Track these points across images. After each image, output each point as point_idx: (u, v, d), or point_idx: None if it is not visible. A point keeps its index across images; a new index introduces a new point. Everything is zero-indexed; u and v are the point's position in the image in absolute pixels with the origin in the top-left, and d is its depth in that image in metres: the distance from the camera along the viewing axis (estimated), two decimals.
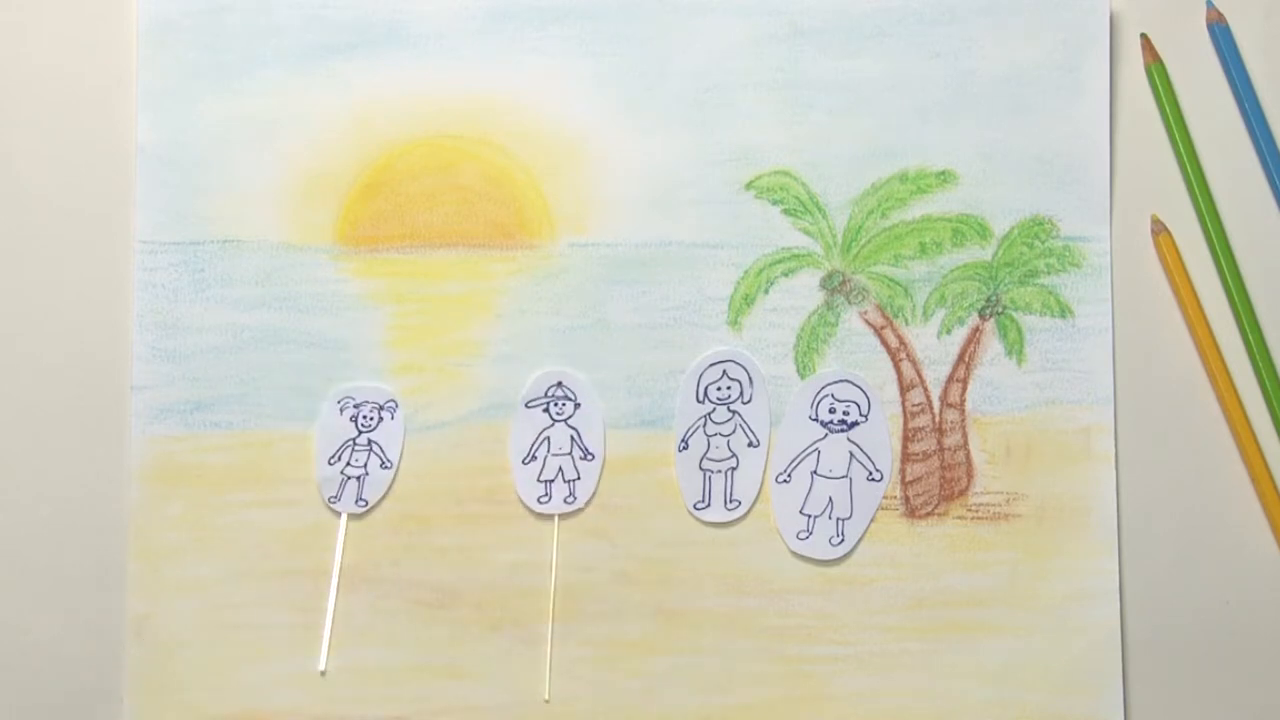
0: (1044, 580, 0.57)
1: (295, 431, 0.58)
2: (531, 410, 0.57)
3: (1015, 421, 0.57)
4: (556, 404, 0.57)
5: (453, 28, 0.59)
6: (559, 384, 0.57)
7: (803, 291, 0.58)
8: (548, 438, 0.57)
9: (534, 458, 0.57)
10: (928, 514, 0.57)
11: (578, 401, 0.57)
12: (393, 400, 0.58)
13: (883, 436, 0.58)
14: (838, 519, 0.57)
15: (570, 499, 0.57)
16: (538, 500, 0.57)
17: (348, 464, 0.57)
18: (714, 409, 0.57)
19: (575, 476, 0.57)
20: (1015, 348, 0.58)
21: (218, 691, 0.56)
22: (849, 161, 0.58)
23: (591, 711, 0.56)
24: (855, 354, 0.58)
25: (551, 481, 0.57)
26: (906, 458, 0.57)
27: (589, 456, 0.57)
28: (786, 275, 0.58)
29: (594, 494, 0.57)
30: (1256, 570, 0.57)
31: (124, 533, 0.57)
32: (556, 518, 0.57)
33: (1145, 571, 0.57)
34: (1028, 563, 0.57)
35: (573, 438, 0.57)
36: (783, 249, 0.58)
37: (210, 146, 0.58)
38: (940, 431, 0.57)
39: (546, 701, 0.56)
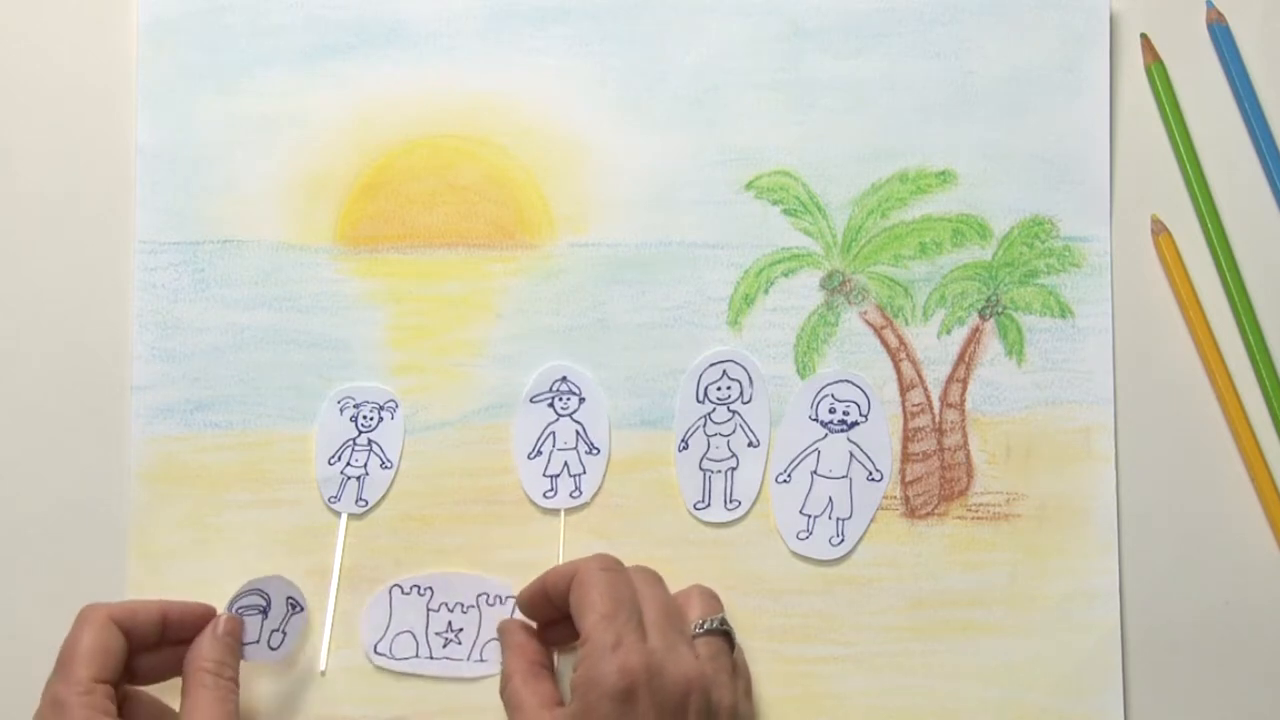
0: (1044, 580, 0.57)
1: (295, 431, 0.58)
2: (536, 405, 0.57)
3: (1015, 421, 0.57)
4: (561, 399, 0.57)
5: (453, 28, 0.59)
6: (563, 379, 0.57)
7: (803, 291, 0.58)
8: (553, 432, 0.57)
9: (539, 453, 0.57)
10: (928, 514, 0.57)
11: (582, 396, 0.57)
12: (393, 400, 0.58)
13: (883, 436, 0.58)
14: (838, 519, 0.57)
15: (576, 494, 0.57)
16: (543, 495, 0.57)
17: (348, 464, 0.57)
18: (714, 409, 0.57)
19: (581, 471, 0.57)
20: (1015, 348, 0.58)
21: None
22: (849, 161, 0.58)
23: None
24: (855, 354, 0.58)
25: (557, 476, 0.57)
26: (906, 458, 0.57)
27: (594, 451, 0.57)
28: (786, 275, 0.58)
29: (599, 489, 0.57)
30: (1256, 570, 0.57)
31: (124, 533, 0.57)
32: (562, 512, 0.57)
33: (1145, 571, 0.57)
34: (1028, 563, 0.57)
35: (578, 432, 0.57)
36: (783, 249, 0.58)
37: (210, 146, 0.58)
38: (940, 431, 0.57)
39: None
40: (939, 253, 0.58)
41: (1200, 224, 0.58)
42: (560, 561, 0.56)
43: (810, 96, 0.58)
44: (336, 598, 0.57)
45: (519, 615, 0.54)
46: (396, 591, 0.56)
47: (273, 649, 0.55)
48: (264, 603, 0.55)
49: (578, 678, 0.48)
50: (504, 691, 0.51)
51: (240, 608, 0.55)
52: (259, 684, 0.56)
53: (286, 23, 0.59)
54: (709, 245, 0.58)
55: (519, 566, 0.57)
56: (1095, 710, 0.56)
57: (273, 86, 0.59)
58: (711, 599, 0.53)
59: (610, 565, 0.50)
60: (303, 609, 0.55)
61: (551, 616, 0.53)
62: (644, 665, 0.47)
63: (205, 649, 0.52)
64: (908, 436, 0.58)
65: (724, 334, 0.58)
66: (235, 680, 0.52)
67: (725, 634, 0.51)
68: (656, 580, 0.52)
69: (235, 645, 0.53)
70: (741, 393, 0.58)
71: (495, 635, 0.56)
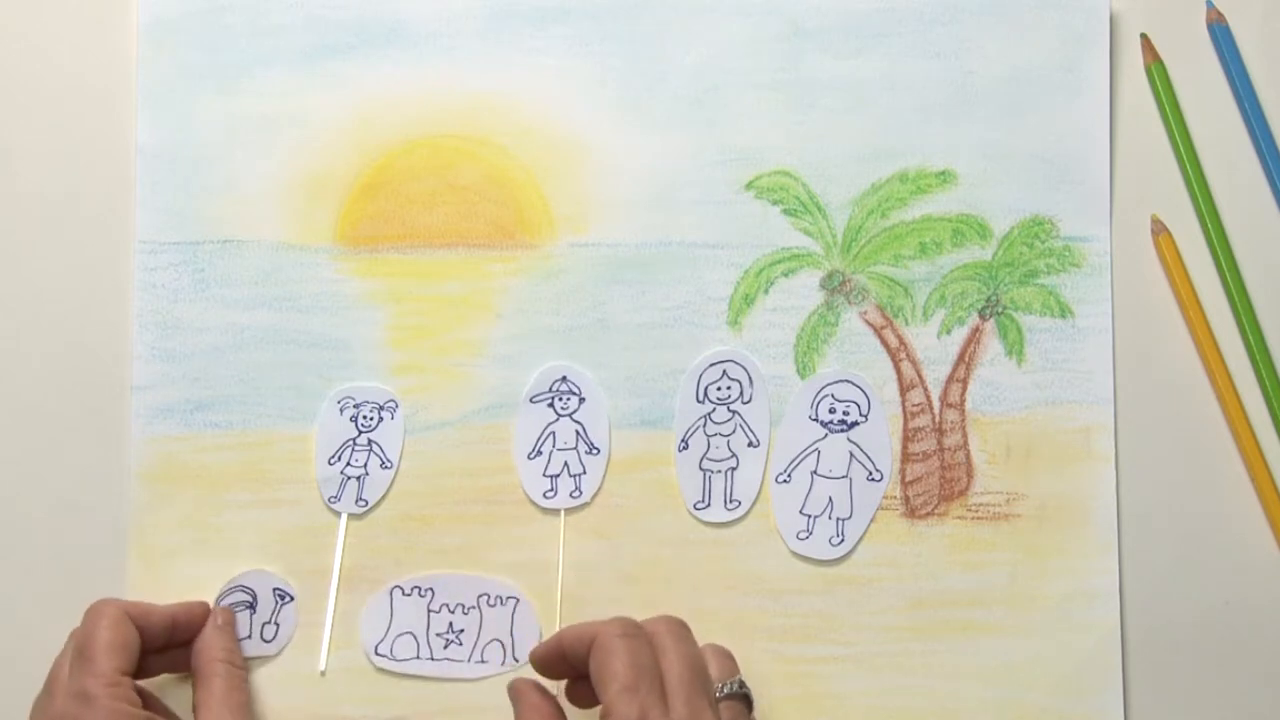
0: (1044, 580, 0.57)
1: (295, 431, 0.58)
2: (536, 405, 0.57)
3: (1015, 421, 0.57)
4: (561, 399, 0.57)
5: (453, 28, 0.59)
6: (563, 379, 0.57)
7: (803, 291, 0.58)
8: (553, 432, 0.57)
9: (539, 453, 0.57)
10: (928, 514, 0.57)
11: (582, 396, 0.57)
12: (393, 400, 0.58)
13: (883, 436, 0.58)
14: (838, 519, 0.57)
15: (576, 494, 0.57)
16: (543, 495, 0.57)
17: (348, 464, 0.57)
18: (714, 409, 0.57)
19: (581, 471, 0.57)
20: (1015, 348, 0.58)
21: None
22: (849, 161, 0.58)
23: (593, 711, 0.56)
24: (855, 354, 0.58)
25: (557, 476, 0.57)
26: (906, 458, 0.57)
27: (594, 451, 0.57)
28: (786, 275, 0.58)
29: (599, 489, 0.57)
30: (1256, 570, 0.57)
31: (124, 533, 0.57)
32: (563, 512, 0.57)
33: (1145, 571, 0.57)
34: (1028, 563, 0.57)
35: (578, 432, 0.57)
36: (783, 249, 0.58)
37: (210, 146, 0.58)
38: (940, 431, 0.57)
39: None
40: (939, 253, 0.58)
41: (1200, 224, 0.58)
42: (560, 562, 0.56)
43: (810, 96, 0.58)
44: (336, 598, 0.57)
45: (532, 673, 0.52)
46: (397, 593, 0.56)
47: (266, 641, 0.55)
48: (250, 598, 0.55)
49: None
50: None
51: (226, 605, 0.55)
52: (260, 685, 0.56)
53: (286, 23, 0.59)
54: (709, 245, 0.58)
55: (519, 566, 0.57)
56: (1095, 710, 0.56)
57: (273, 86, 0.59)
58: (727, 659, 0.52)
59: (630, 630, 0.48)
60: (292, 598, 0.56)
61: (566, 675, 0.52)
62: None
63: (214, 640, 0.53)
64: (908, 436, 0.58)
65: (724, 334, 0.58)
66: (245, 669, 0.54)
67: (744, 696, 0.50)
68: (682, 635, 0.49)
69: (235, 634, 0.55)
70: (741, 393, 0.58)
71: (496, 636, 0.56)
